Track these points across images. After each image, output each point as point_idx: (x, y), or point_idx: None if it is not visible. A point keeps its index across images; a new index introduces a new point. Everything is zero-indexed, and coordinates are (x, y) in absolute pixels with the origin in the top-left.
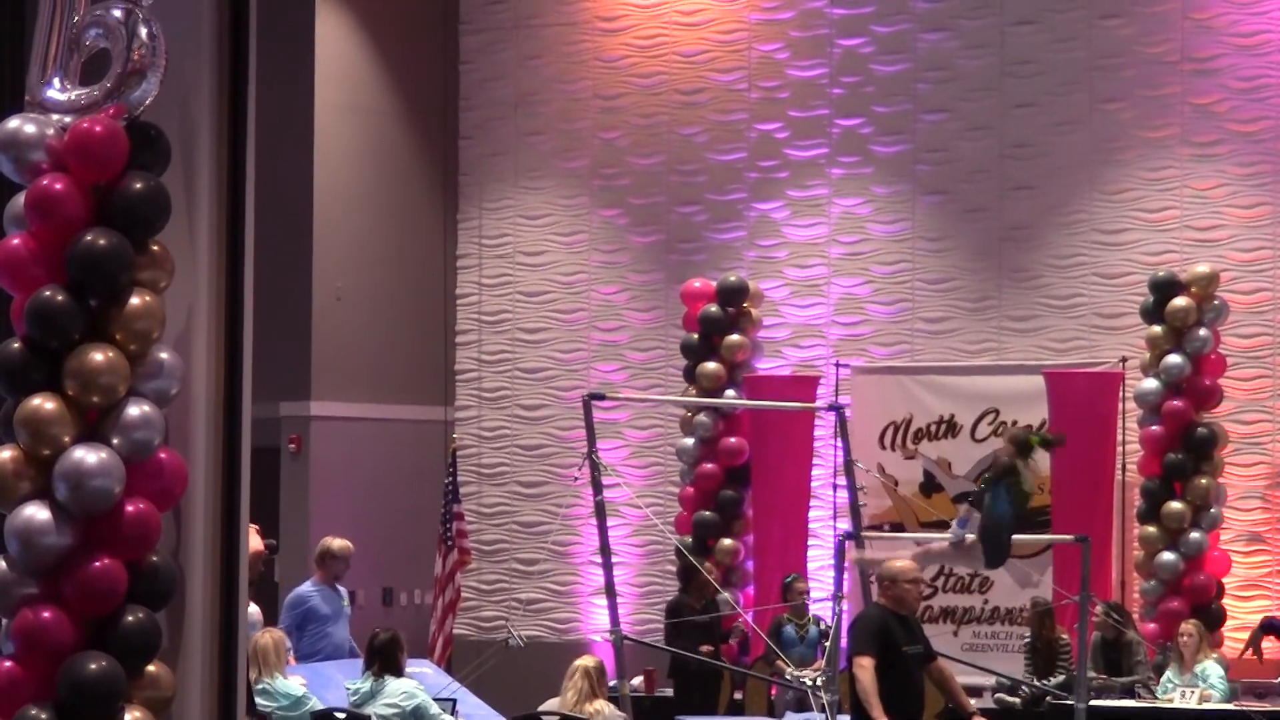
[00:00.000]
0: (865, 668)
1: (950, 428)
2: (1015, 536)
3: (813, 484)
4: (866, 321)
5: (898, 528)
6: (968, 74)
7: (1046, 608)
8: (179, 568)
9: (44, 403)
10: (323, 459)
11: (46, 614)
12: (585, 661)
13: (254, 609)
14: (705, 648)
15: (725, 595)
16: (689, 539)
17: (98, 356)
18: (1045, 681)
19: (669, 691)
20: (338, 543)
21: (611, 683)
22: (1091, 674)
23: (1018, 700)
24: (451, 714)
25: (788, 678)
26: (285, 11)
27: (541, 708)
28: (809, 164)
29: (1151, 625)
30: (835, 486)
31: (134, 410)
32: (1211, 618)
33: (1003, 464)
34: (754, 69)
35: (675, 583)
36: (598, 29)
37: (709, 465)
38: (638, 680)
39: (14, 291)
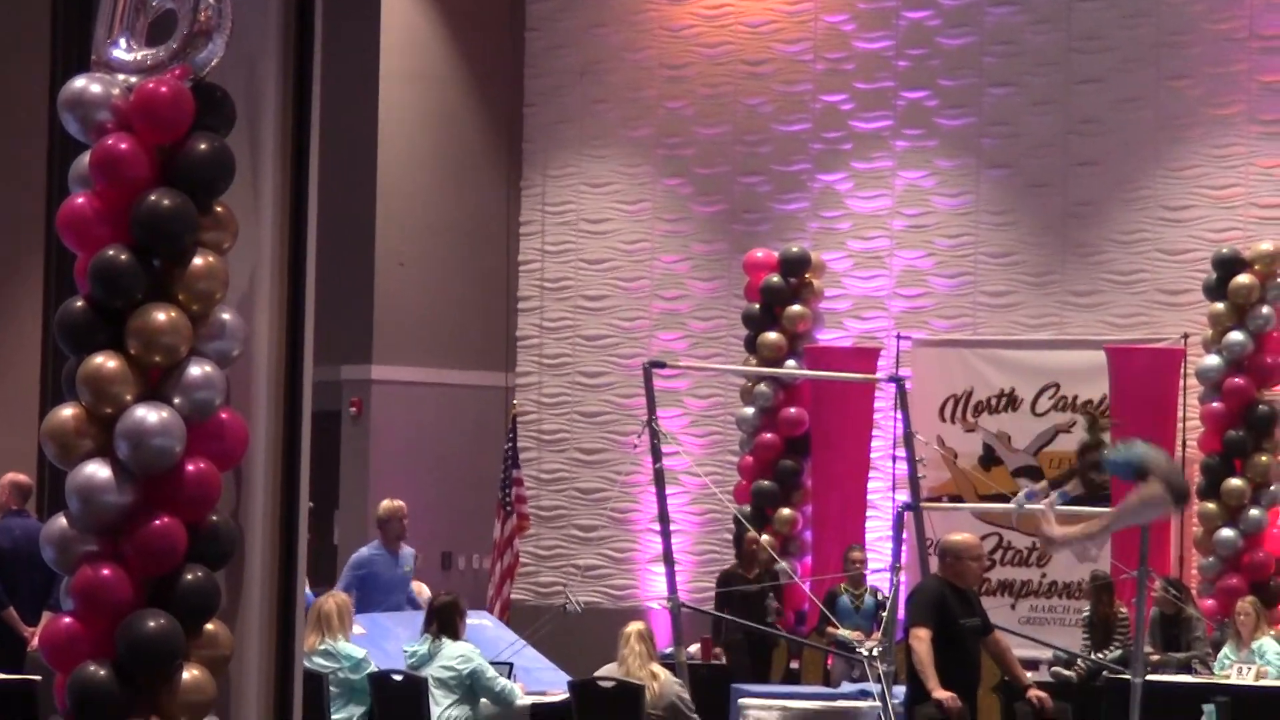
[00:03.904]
0: (922, 639)
1: (1011, 401)
2: (1076, 509)
3: (872, 455)
4: (928, 294)
5: (956, 500)
6: (1034, 48)
7: (1107, 581)
8: (239, 528)
9: (106, 362)
10: (383, 423)
11: (106, 571)
12: (637, 626)
13: None
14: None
15: (783, 565)
16: (747, 508)
17: (160, 316)
18: (1102, 655)
19: (725, 659)
20: (384, 504)
21: (668, 650)
22: (1148, 649)
23: (1074, 674)
24: (508, 678)
25: (840, 637)
26: None
27: (598, 673)
28: (873, 136)
29: (1209, 601)
30: (895, 458)
31: (196, 370)
32: (1270, 595)
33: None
34: (820, 40)
35: (733, 552)
36: None
37: (769, 435)
38: (694, 648)
39: (78, 251)
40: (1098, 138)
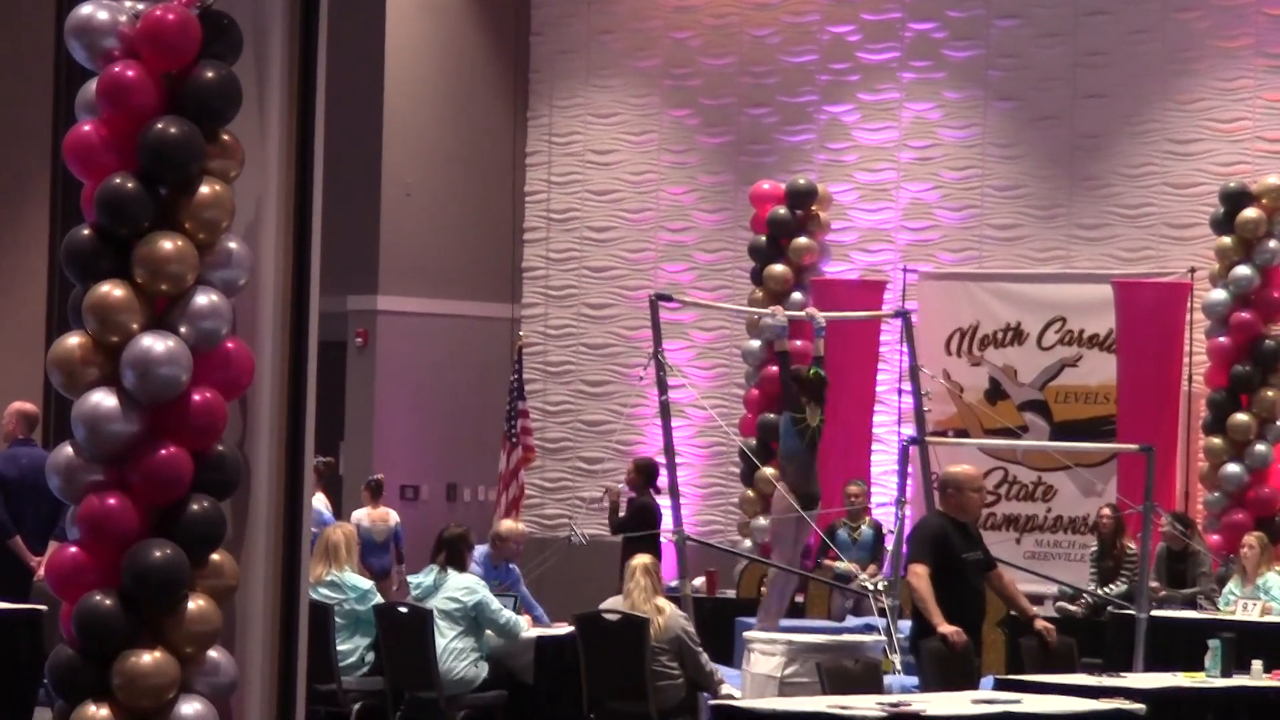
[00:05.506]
0: (920, 575)
1: (1017, 335)
2: (1082, 445)
3: (877, 389)
4: (935, 227)
5: (962, 434)
6: None
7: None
8: (244, 457)
9: (112, 290)
10: (389, 354)
11: (112, 501)
12: (642, 559)
13: (320, 499)
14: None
15: (791, 500)
16: (753, 441)
17: (167, 245)
18: (1108, 590)
19: (731, 593)
20: (504, 525)
21: (673, 583)
22: (1154, 584)
23: (1079, 609)
24: (513, 610)
25: (838, 570)
26: None
27: (603, 605)
28: (881, 67)
29: (1215, 537)
30: (900, 392)
31: (202, 299)
32: (1275, 530)
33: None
34: None
35: (738, 485)
36: None
37: (774, 368)
38: (699, 581)
39: (84, 178)
40: (1105, 70)
